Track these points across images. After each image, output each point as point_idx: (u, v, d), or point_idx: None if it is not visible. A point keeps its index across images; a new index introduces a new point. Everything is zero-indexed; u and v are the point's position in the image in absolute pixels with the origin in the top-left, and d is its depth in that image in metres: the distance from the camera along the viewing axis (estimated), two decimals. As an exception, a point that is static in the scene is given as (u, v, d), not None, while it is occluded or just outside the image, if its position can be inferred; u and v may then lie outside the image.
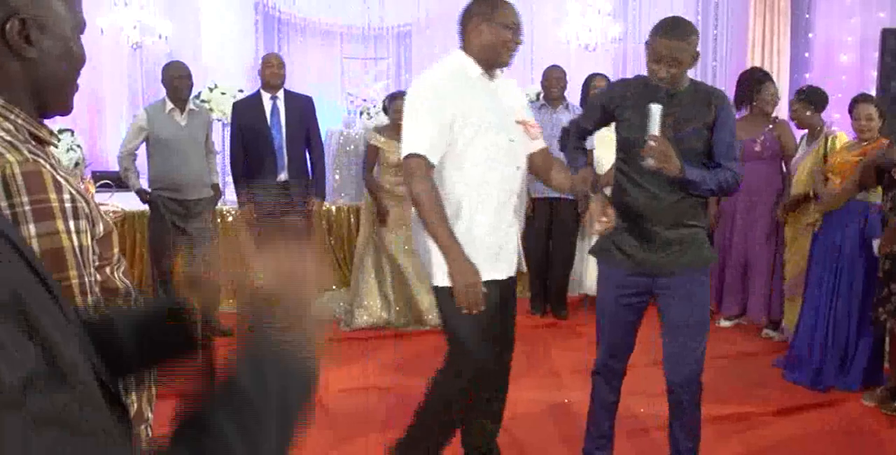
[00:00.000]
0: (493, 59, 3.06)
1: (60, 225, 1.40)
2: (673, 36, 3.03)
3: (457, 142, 2.98)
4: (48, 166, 1.40)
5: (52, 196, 1.39)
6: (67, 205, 1.41)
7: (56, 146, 1.52)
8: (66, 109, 1.45)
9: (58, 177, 1.41)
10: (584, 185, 3.10)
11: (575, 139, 3.48)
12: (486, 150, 3.02)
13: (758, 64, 10.15)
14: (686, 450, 3.38)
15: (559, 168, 3.39)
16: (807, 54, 10.61)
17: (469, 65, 3.07)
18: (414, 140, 2.98)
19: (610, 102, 3.25)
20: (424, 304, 6.02)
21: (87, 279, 1.46)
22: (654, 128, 2.93)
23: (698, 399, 3.32)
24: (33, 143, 1.41)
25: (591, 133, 3.50)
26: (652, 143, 2.91)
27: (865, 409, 4.52)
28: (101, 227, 1.54)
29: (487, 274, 3.04)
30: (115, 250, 1.62)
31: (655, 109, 2.94)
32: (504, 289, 3.20)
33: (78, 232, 1.43)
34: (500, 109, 3.11)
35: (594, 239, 6.29)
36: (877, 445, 4.12)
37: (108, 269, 1.60)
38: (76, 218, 1.43)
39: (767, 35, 10.66)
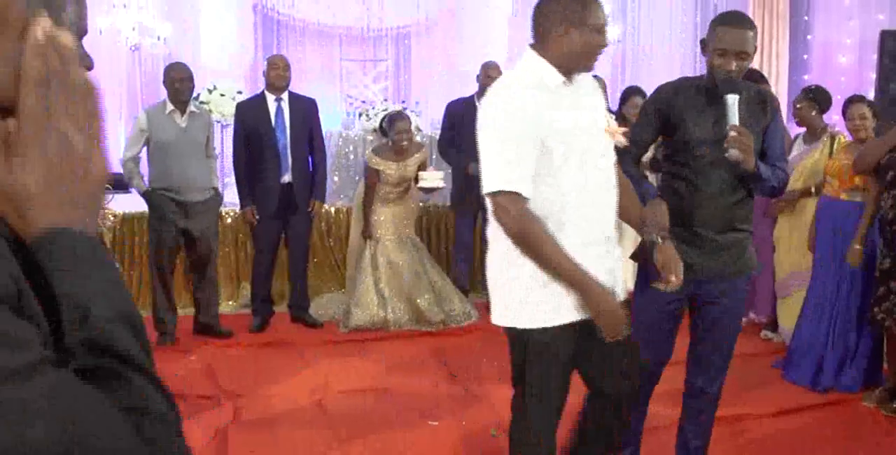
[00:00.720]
0: (579, 66, 2.61)
1: None
2: (740, 25, 2.96)
3: (550, 165, 2.53)
4: None
5: None
6: None
7: None
8: None
9: None
10: (656, 227, 2.77)
11: (633, 163, 3.18)
12: (575, 177, 2.58)
13: (756, 65, 10.13)
14: (695, 448, 3.39)
15: (629, 194, 2.89)
16: (805, 56, 10.62)
17: (548, 73, 2.58)
18: (500, 174, 2.50)
19: (666, 106, 3.13)
20: (424, 304, 6.02)
21: None
22: (734, 118, 2.87)
23: (717, 401, 3.34)
24: None
25: (650, 144, 3.33)
26: (734, 133, 2.84)
27: (865, 410, 4.52)
28: None
29: (562, 315, 2.63)
30: None
31: (733, 100, 2.88)
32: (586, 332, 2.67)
33: None
34: (587, 122, 2.65)
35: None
36: (876, 446, 4.11)
37: None
38: None
39: (766, 37, 10.65)
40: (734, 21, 2.99)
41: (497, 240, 2.66)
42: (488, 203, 2.57)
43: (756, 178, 2.99)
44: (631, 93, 6.62)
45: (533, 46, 2.65)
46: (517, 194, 2.48)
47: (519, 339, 2.73)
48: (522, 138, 2.48)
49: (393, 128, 6.01)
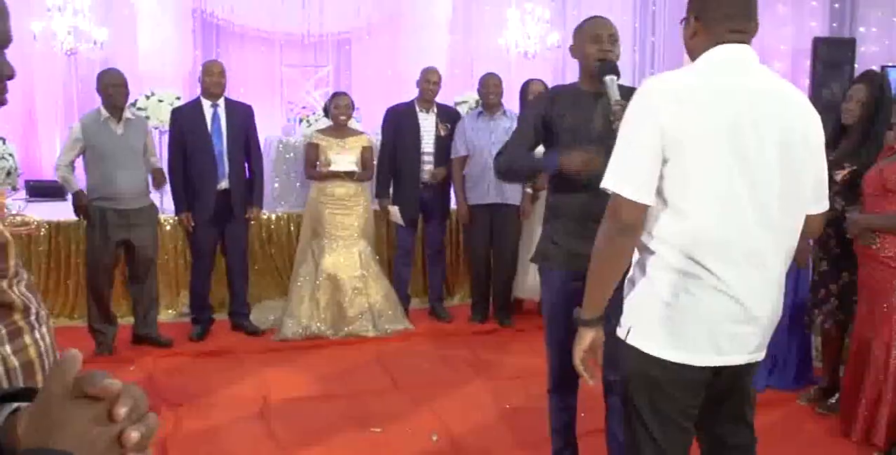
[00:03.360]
0: None
1: None
2: (603, 17, 3.26)
3: None
4: None
5: None
6: None
7: None
8: None
9: None
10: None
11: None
12: None
13: (694, 71, 10.29)
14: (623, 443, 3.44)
15: None
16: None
17: None
18: None
19: (545, 113, 3.26)
20: (358, 322, 6.00)
21: None
22: (615, 95, 3.00)
23: None
24: None
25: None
26: (618, 107, 2.93)
27: (800, 409, 4.61)
28: None
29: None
30: (11, 262, 1.52)
31: (611, 80, 3.03)
32: None
33: None
34: None
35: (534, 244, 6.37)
36: (810, 443, 4.20)
37: (4, 283, 1.51)
38: None
39: (703, 43, 10.80)
40: (598, 16, 3.29)
41: None
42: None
43: None
44: None
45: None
46: None
47: None
48: None
49: (333, 102, 6.14)
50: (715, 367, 2.33)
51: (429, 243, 6.64)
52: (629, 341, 2.35)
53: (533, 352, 5.51)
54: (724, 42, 2.33)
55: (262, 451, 4.04)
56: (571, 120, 3.20)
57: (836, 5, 10.90)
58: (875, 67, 9.37)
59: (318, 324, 5.96)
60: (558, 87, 3.38)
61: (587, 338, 2.40)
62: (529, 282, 6.43)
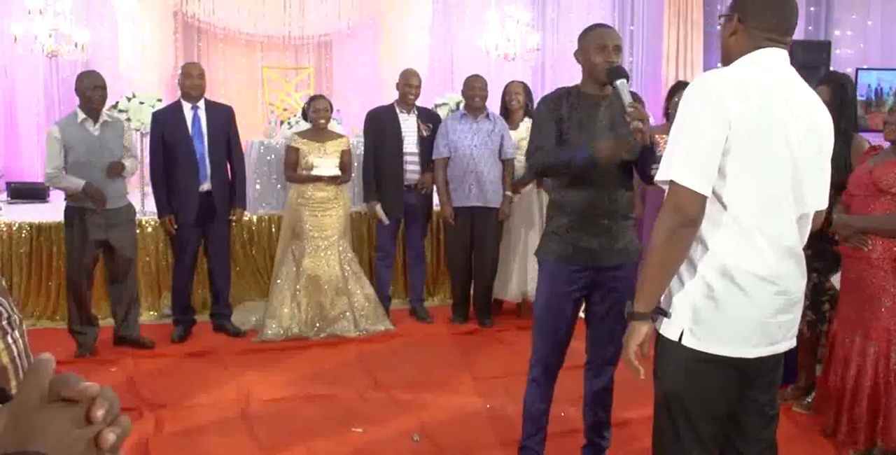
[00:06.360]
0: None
1: None
2: (609, 27, 3.41)
3: None
4: None
5: None
6: None
7: None
8: None
9: None
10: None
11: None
12: None
13: (672, 74, 10.41)
14: (605, 416, 3.71)
15: None
16: (719, 65, 10.86)
17: None
18: None
19: (558, 111, 3.36)
20: (340, 323, 6.04)
21: None
22: (628, 98, 3.08)
23: (613, 372, 3.61)
24: None
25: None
26: (631, 109, 3.03)
27: (779, 407, 4.65)
28: None
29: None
30: None
31: (621, 83, 3.11)
32: None
33: None
34: None
35: (516, 247, 6.42)
36: (788, 442, 4.24)
37: None
38: None
39: (681, 45, 10.91)
40: (604, 25, 3.44)
41: None
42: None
43: (650, 152, 3.25)
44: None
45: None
46: None
47: None
48: None
49: (311, 106, 6.13)
50: (763, 357, 2.42)
51: (410, 245, 6.67)
52: (684, 343, 2.36)
53: (513, 352, 5.57)
54: (762, 47, 2.37)
55: (243, 453, 4.05)
56: (578, 120, 3.32)
57: (812, 9, 11.03)
58: (849, 70, 9.51)
59: (300, 325, 5.99)
60: (563, 89, 3.45)
61: (642, 332, 2.39)
62: (510, 284, 6.48)
